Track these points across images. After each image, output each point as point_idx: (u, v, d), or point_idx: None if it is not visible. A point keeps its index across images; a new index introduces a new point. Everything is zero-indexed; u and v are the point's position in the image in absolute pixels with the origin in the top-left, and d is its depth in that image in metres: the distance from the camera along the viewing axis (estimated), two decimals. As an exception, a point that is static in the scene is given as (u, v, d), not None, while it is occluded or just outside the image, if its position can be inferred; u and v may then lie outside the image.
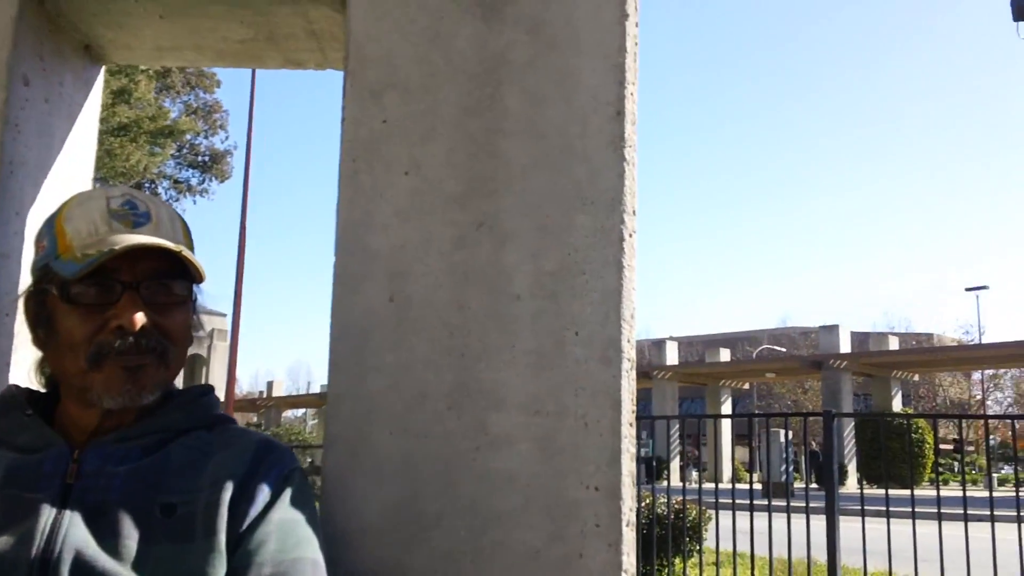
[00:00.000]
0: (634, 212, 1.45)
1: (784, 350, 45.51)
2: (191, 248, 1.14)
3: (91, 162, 1.78)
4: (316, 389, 50.43)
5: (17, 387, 1.18)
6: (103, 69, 1.82)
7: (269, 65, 1.81)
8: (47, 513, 0.99)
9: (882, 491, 5.41)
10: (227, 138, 20.82)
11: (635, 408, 1.37)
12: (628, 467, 1.32)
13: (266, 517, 1.06)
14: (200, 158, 20.73)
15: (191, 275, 1.12)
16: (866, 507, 4.64)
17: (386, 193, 1.44)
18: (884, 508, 4.48)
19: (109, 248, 1.03)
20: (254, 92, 16.69)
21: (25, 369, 1.51)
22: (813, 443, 22.34)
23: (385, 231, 1.43)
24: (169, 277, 1.10)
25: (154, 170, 19.01)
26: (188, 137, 20.01)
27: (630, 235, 1.42)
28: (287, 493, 1.10)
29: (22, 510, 1.00)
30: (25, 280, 1.51)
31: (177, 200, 20.21)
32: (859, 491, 4.66)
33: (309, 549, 1.07)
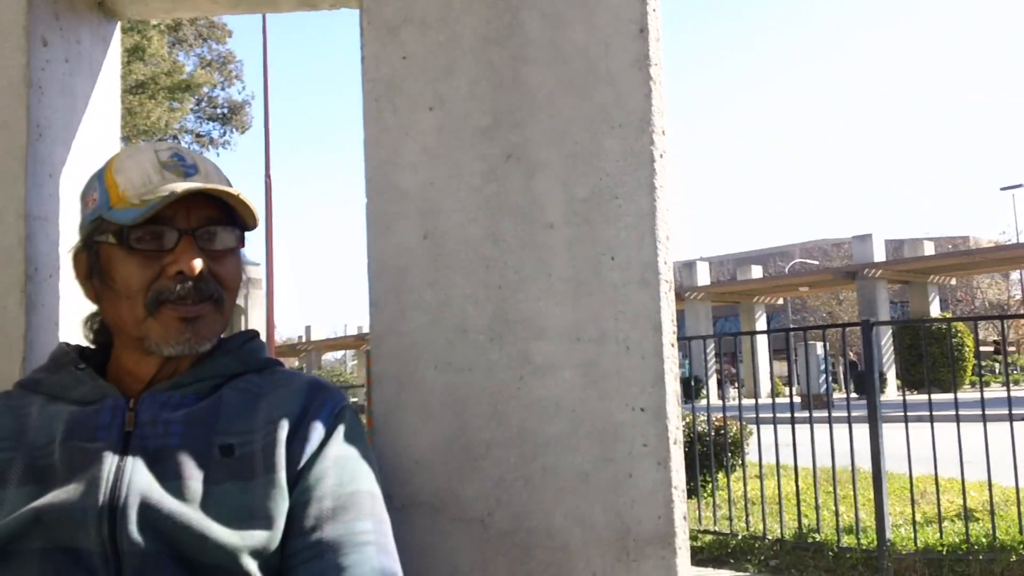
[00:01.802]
0: (664, 132, 1.42)
1: (817, 263, 45.09)
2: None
3: (116, 120, 1.78)
4: (353, 331, 51.06)
5: (68, 344, 1.21)
6: (118, 25, 1.81)
7: (283, 8, 1.78)
8: (110, 461, 1.02)
9: (922, 397, 5.41)
10: (244, 88, 20.76)
11: (675, 329, 1.38)
12: (672, 387, 1.32)
13: (322, 453, 1.09)
14: (219, 110, 20.69)
15: (240, 224, 1.14)
16: (908, 413, 4.65)
17: (412, 131, 1.43)
18: (925, 414, 4.49)
19: (170, 192, 1.04)
20: (266, 39, 16.52)
21: (74, 326, 1.55)
22: (851, 353, 22.30)
23: (414, 169, 1.42)
24: (221, 224, 1.12)
25: (175, 125, 19.04)
26: (205, 90, 19.93)
27: (661, 156, 1.40)
28: (340, 429, 1.12)
29: (85, 460, 1.02)
30: (66, 241, 1.54)
31: (201, 154, 20.29)
32: (900, 398, 4.66)
33: (366, 482, 1.10)
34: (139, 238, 1.07)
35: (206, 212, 1.10)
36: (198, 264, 1.08)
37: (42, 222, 1.47)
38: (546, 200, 1.39)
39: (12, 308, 1.39)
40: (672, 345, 1.35)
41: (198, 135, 20.47)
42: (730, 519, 5.03)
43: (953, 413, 4.21)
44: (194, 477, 1.02)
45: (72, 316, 1.54)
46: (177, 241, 1.08)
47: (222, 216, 1.12)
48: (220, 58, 20.54)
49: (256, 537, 1.00)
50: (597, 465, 1.30)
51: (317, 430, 1.10)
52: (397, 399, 1.36)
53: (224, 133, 20.87)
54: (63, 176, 1.54)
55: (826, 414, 4.84)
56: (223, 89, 20.42)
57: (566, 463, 1.31)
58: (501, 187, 1.40)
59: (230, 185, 1.17)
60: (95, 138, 1.68)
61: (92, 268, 1.14)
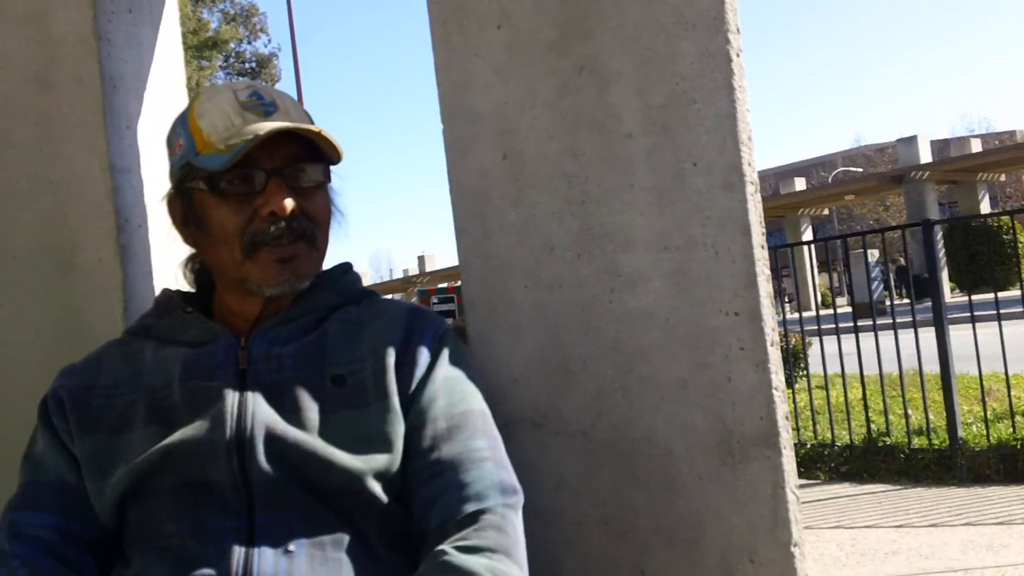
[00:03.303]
0: (738, 30, 1.37)
1: (861, 170, 43.96)
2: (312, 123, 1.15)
3: (181, 68, 1.78)
4: (398, 275, 51.63)
5: (171, 289, 1.23)
6: (172, -28, 1.79)
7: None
8: (231, 397, 1.04)
9: (981, 297, 5.29)
10: (269, 41, 20.59)
11: (764, 230, 1.35)
12: (765, 289, 1.31)
13: (431, 376, 1.10)
14: (247, 64, 20.63)
15: (325, 158, 1.13)
16: (965, 313, 4.55)
17: (481, 51, 1.41)
18: (984, 313, 4.39)
19: (253, 135, 1.04)
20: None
21: (167, 273, 1.58)
22: (900, 259, 21.85)
23: (487, 90, 1.40)
24: (307, 161, 1.11)
25: (206, 83, 19.04)
26: (232, 45, 19.84)
27: (737, 55, 1.36)
28: (445, 352, 1.14)
29: (206, 398, 1.05)
30: (150, 191, 1.56)
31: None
32: (962, 300, 4.57)
33: (475, 401, 1.12)
34: (229, 182, 1.08)
35: (291, 150, 1.10)
36: (289, 204, 1.08)
37: (126, 174, 1.49)
38: (622, 110, 1.36)
39: (108, 260, 1.42)
40: (762, 247, 1.32)
41: (230, 91, 20.45)
42: (797, 429, 5.03)
43: (1016, 311, 4.09)
44: (310, 408, 1.05)
45: (163, 264, 1.57)
46: (266, 182, 1.08)
47: (307, 152, 1.12)
48: (243, 12, 20.40)
49: (378, 460, 1.03)
50: (694, 371, 1.30)
51: (423, 354, 1.11)
52: (490, 320, 1.36)
53: (254, 87, 20.84)
54: (139, 127, 1.56)
55: (882, 322, 4.76)
56: (249, 43, 20.31)
57: (663, 371, 1.31)
58: (575, 101, 1.38)
59: (310, 119, 1.17)
60: (164, 87, 1.68)
61: (187, 214, 1.15)
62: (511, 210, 1.38)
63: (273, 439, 1.01)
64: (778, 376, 1.29)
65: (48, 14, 1.46)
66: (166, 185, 1.59)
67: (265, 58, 20.72)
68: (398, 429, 1.06)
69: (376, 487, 1.03)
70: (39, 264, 1.43)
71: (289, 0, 16.36)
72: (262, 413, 1.03)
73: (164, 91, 1.67)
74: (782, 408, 1.28)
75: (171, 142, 1.17)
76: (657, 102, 1.35)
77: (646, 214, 1.34)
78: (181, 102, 1.76)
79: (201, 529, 0.99)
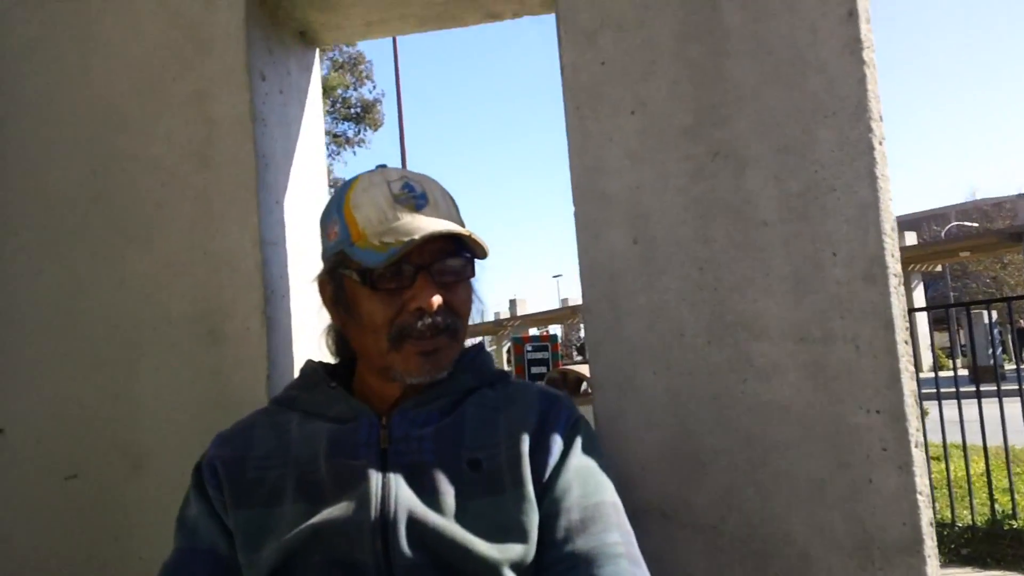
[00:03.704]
0: (880, 118, 1.35)
1: (976, 225, 41.92)
2: (461, 219, 1.19)
3: (322, 143, 1.87)
4: (489, 318, 52.06)
5: (315, 362, 1.28)
6: (317, 52, 1.89)
7: (468, 22, 1.81)
8: (375, 477, 1.08)
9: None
10: (374, 87, 21.23)
11: (907, 325, 1.31)
12: (909, 387, 1.26)
13: (564, 465, 1.11)
14: (352, 110, 21.34)
15: (472, 250, 1.17)
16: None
17: (615, 136, 1.43)
18: None
19: (409, 238, 1.09)
20: (396, 39, 16.90)
21: (307, 342, 1.64)
22: (1021, 321, 20.61)
23: (619, 174, 1.42)
24: (454, 255, 1.15)
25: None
26: (339, 92, 20.62)
27: (879, 143, 1.34)
28: (578, 441, 1.15)
29: (352, 476, 1.09)
30: (294, 262, 1.63)
31: (338, 153, 21.00)
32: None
33: (608, 493, 1.12)
34: (381, 277, 1.12)
35: (438, 245, 1.14)
36: (436, 300, 1.12)
37: (274, 247, 1.56)
38: (758, 196, 1.36)
39: (255, 330, 1.49)
40: (905, 343, 1.28)
41: (335, 135, 21.21)
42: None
43: None
44: (448, 492, 1.07)
45: (303, 332, 1.64)
46: (414, 277, 1.12)
47: (454, 246, 1.16)
48: (351, 59, 21.16)
49: (514, 550, 1.04)
50: (833, 471, 1.26)
51: (556, 443, 1.13)
52: (619, 405, 1.36)
53: (358, 132, 21.56)
54: (286, 202, 1.64)
55: (996, 388, 4.47)
56: (355, 89, 21.04)
57: (799, 469, 1.28)
58: (709, 186, 1.38)
59: (455, 206, 1.21)
60: (309, 163, 1.77)
61: (337, 296, 1.20)
62: (642, 294, 1.38)
63: (415, 523, 1.04)
64: (922, 480, 1.23)
65: (209, 97, 1.57)
66: (309, 258, 1.67)
67: (369, 103, 21.43)
68: (533, 519, 1.07)
69: None
70: (192, 331, 1.52)
71: (396, 51, 17.01)
72: (404, 496, 1.06)
73: (309, 167, 1.76)
74: (927, 514, 1.22)
75: (325, 226, 1.22)
76: (795, 189, 1.34)
77: (781, 303, 1.32)
78: (322, 176, 1.85)
79: None
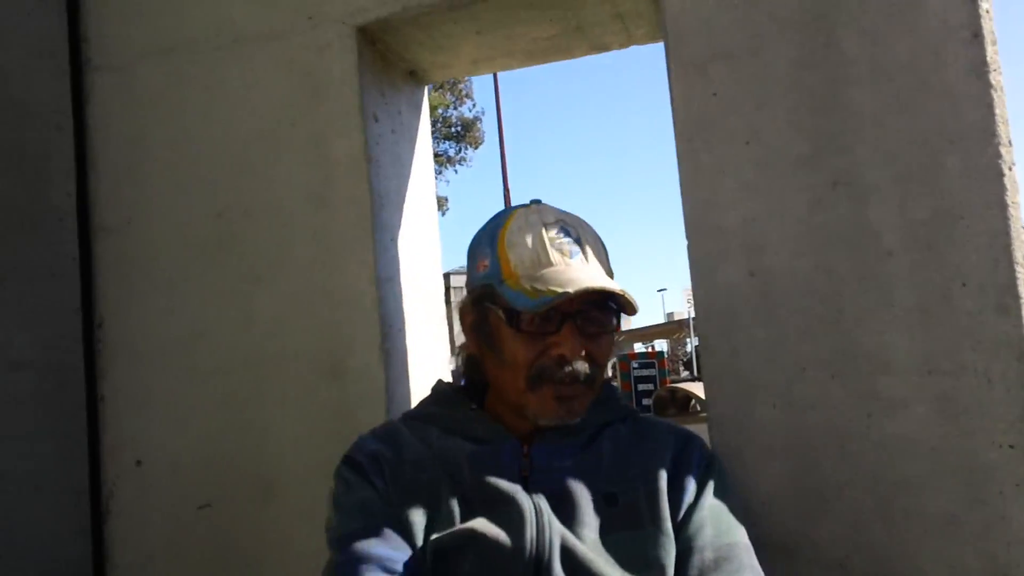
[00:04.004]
0: (1009, 143, 1.36)
1: None
2: (610, 267, 1.24)
3: (432, 178, 1.98)
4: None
5: (444, 382, 1.35)
6: (426, 89, 2.02)
7: (575, 54, 1.89)
8: (527, 503, 1.12)
9: None
10: (474, 106, 21.73)
11: (1044, 357, 1.30)
12: (1047, 422, 1.26)
13: (698, 505, 1.16)
14: (452, 129, 21.90)
15: (618, 306, 1.20)
16: None
17: (728, 168, 1.47)
18: None
19: (563, 290, 1.12)
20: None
21: (422, 375, 1.75)
22: None
23: (734, 206, 1.46)
24: (601, 308, 1.19)
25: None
26: (439, 111, 21.17)
27: (1009, 169, 1.34)
28: (712, 482, 1.19)
29: (501, 497, 1.13)
30: (409, 297, 1.75)
31: (440, 172, 21.58)
32: None
33: (740, 533, 1.15)
34: (528, 320, 1.17)
35: (589, 295, 1.15)
36: (578, 347, 1.16)
37: (389, 283, 1.68)
38: (881, 226, 1.38)
39: (373, 364, 1.60)
40: (1042, 375, 1.28)
41: (436, 155, 21.83)
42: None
43: None
44: (589, 525, 1.12)
45: (418, 366, 1.75)
46: (561, 325, 1.16)
47: (602, 299, 1.18)
48: (451, 80, 21.71)
49: None
50: (965, 507, 1.27)
51: (691, 482, 1.17)
52: (739, 439, 1.40)
53: (459, 150, 22.09)
54: (400, 239, 1.76)
55: None
56: (455, 108, 21.59)
57: (930, 505, 1.29)
58: (829, 216, 1.41)
59: (605, 252, 1.26)
60: (419, 199, 1.89)
61: (480, 327, 1.24)
62: (760, 328, 1.42)
63: (566, 551, 1.09)
64: (1064, 520, 1.23)
65: (325, 140, 1.69)
66: (423, 293, 1.78)
67: (469, 122, 21.95)
68: (672, 555, 1.11)
69: None
70: (314, 366, 1.64)
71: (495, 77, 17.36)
72: (557, 526, 1.11)
73: (420, 203, 1.87)
74: (1069, 555, 1.22)
75: (475, 255, 1.26)
76: (920, 217, 1.36)
77: (908, 335, 1.34)
78: (433, 211, 1.96)
79: None
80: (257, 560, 1.67)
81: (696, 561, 1.11)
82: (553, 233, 1.20)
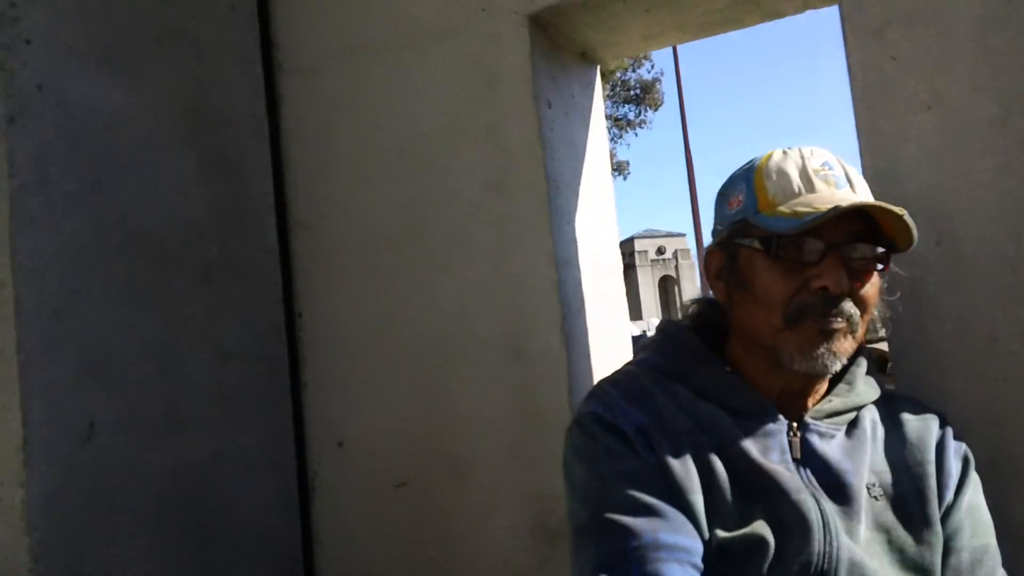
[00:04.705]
0: None
1: None
2: None
3: (607, 158, 2.17)
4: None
5: (679, 326, 1.32)
6: (598, 68, 2.21)
7: (747, 23, 2.02)
8: (809, 502, 1.10)
9: None
10: (652, 67, 21.74)
11: None
12: None
13: (957, 502, 1.17)
14: (631, 92, 22.03)
15: (885, 242, 1.16)
16: None
17: (910, 134, 1.55)
18: None
19: (833, 207, 1.08)
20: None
21: (604, 355, 1.96)
22: None
23: (917, 173, 1.54)
24: (867, 241, 1.15)
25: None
26: (618, 75, 21.33)
27: None
28: (970, 477, 1.20)
29: (776, 490, 1.11)
30: (588, 279, 1.96)
31: (620, 136, 21.80)
32: None
33: (991, 534, 1.18)
34: (785, 247, 1.14)
35: (853, 227, 1.14)
36: (843, 281, 1.12)
37: (568, 266, 1.89)
38: (1079, 188, 1.43)
39: (555, 346, 1.82)
40: None
41: (616, 119, 21.99)
42: None
43: None
44: (861, 520, 1.12)
45: (599, 346, 1.96)
46: (823, 254, 1.13)
47: (868, 232, 1.15)
48: (626, 42, 21.85)
49: None
50: None
51: (952, 477, 1.18)
52: (926, 414, 1.50)
53: (639, 113, 22.21)
54: (577, 221, 1.97)
55: None
56: (633, 71, 21.69)
57: None
58: (1019, 181, 1.46)
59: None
60: (595, 181, 2.08)
61: (726, 269, 1.23)
62: (947, 298, 1.50)
63: (854, 568, 1.08)
64: None
65: (501, 129, 1.92)
66: (602, 274, 1.99)
67: (648, 83, 22.03)
68: (938, 560, 1.12)
69: None
70: (498, 349, 1.88)
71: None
72: (837, 520, 1.10)
73: (595, 182, 2.06)
74: None
75: (726, 196, 1.25)
76: (1123, 177, 1.41)
77: (1112, 302, 1.40)
78: (609, 193, 2.16)
79: None
80: (451, 536, 1.94)
81: (953, 562, 1.13)
82: (817, 164, 1.18)
